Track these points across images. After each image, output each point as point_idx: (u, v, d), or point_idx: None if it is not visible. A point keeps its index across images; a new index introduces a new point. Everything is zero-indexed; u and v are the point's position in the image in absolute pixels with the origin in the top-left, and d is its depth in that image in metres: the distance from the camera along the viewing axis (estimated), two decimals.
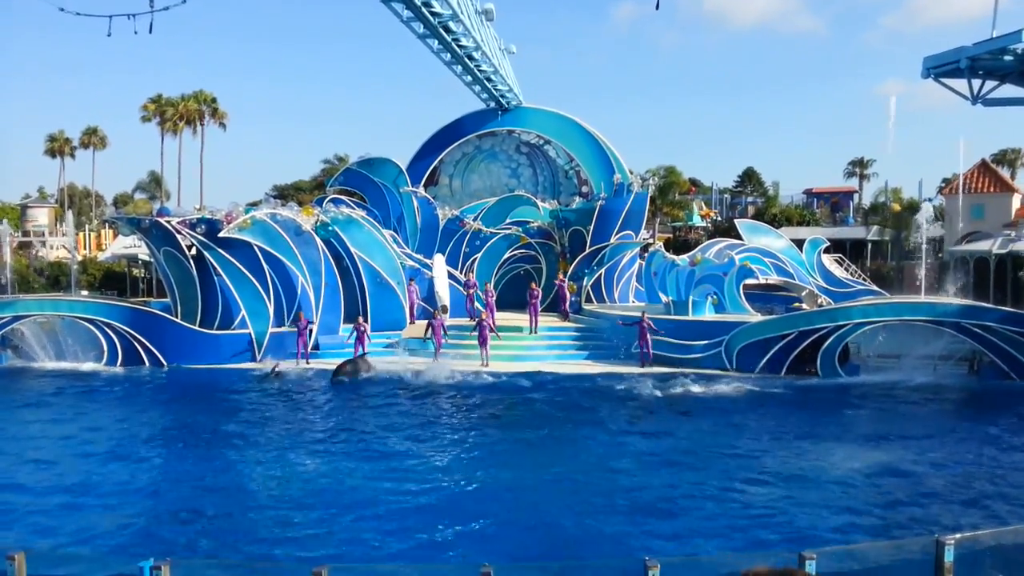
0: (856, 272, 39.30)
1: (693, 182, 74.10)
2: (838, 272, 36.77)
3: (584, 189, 37.79)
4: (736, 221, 42.95)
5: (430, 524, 12.87)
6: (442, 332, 27.64)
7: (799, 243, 36.75)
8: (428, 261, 32.64)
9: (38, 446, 17.67)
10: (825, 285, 34.59)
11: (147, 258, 40.00)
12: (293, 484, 15.04)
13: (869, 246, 49.13)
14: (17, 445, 17.77)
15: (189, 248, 28.39)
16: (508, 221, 35.04)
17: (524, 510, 13.70)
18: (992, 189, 43.04)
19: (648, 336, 26.49)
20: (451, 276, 32.71)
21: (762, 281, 34.12)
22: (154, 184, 75.73)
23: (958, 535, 10.01)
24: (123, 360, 27.33)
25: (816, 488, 14.73)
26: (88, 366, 27.05)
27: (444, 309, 30.36)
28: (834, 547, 10.61)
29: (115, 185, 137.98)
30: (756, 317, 27.76)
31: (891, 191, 55.05)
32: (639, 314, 27.06)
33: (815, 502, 13.97)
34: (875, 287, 35.08)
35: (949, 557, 9.57)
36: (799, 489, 14.64)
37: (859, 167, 74.57)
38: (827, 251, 37.55)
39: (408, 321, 30.26)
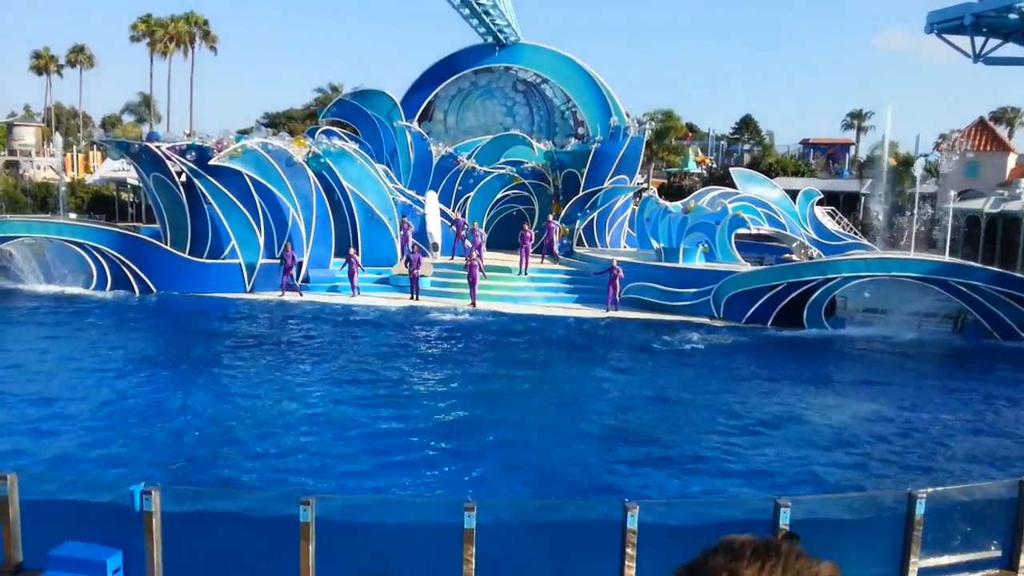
0: (848, 226, 39.35)
1: (690, 128, 73.36)
2: (830, 225, 36.81)
3: (580, 131, 37.41)
4: (731, 169, 42.73)
5: (418, 456, 13.09)
6: (419, 269, 27.63)
7: (793, 194, 36.68)
8: (420, 198, 32.41)
9: (27, 367, 17.74)
10: (816, 237, 34.66)
11: (136, 182, 39.53)
12: (283, 413, 15.21)
13: (862, 200, 49.10)
14: (5, 366, 17.83)
15: (179, 175, 28.06)
16: (502, 160, 34.72)
17: (510, 446, 13.94)
18: (988, 148, 42.90)
19: (618, 284, 26.59)
20: (443, 214, 32.54)
21: (754, 231, 34.15)
22: (143, 107, 74.32)
23: (930, 489, 10.29)
24: (112, 285, 27.26)
25: (794, 437, 15.03)
26: (77, 290, 27.01)
27: (435, 247, 30.31)
28: (809, 496, 10.91)
29: (103, 106, 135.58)
30: (746, 267, 27.87)
31: (887, 144, 54.74)
32: (611, 262, 27.14)
33: (793, 450, 14.27)
34: (866, 241, 35.20)
35: (920, 510, 9.85)
36: (778, 437, 14.94)
37: (857, 119, 73.90)
38: (820, 203, 37.51)
39: (399, 257, 30.21)
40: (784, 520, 9.60)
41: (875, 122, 72.87)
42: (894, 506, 10.13)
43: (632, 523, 9.57)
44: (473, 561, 9.47)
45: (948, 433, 15.76)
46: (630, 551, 9.52)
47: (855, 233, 37.22)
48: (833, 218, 38.10)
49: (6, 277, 27.98)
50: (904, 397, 18.15)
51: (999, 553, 10.37)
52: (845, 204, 46.84)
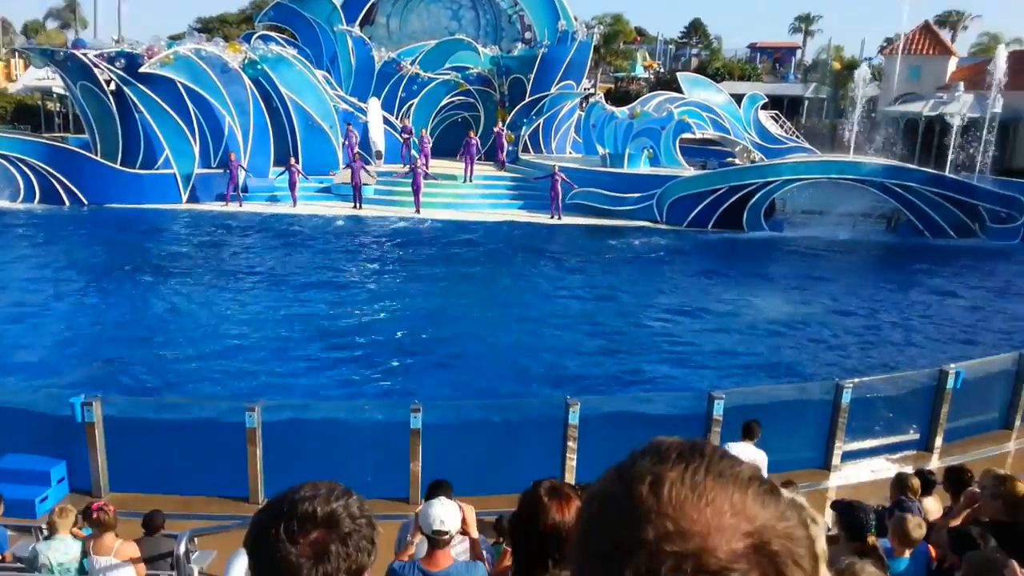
0: (791, 130, 39.67)
1: (639, 32, 72.10)
2: (773, 129, 37.02)
3: (527, 35, 36.42)
4: (678, 74, 42.37)
5: (363, 363, 13.20)
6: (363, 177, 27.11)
7: (739, 98, 36.66)
8: (363, 105, 31.52)
9: None
10: (760, 141, 34.88)
11: (62, 91, 37.62)
12: (225, 322, 15.11)
13: (806, 103, 49.37)
14: None
15: (108, 83, 26.74)
16: (447, 66, 33.76)
17: (456, 346, 14.13)
18: (931, 51, 43.20)
19: (560, 189, 26.55)
20: (386, 121, 31.78)
21: (699, 136, 34.20)
22: (68, 12, 69.99)
23: (856, 379, 10.81)
24: (40, 198, 26.25)
25: (731, 330, 15.54)
26: (3, 203, 25.95)
27: (379, 155, 29.74)
28: (742, 388, 11.36)
29: (23, 11, 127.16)
30: (690, 172, 28.05)
31: (832, 48, 54.79)
32: (552, 168, 27.01)
33: (729, 344, 14.77)
34: (808, 145, 35.58)
35: (846, 399, 10.38)
36: (715, 331, 15.42)
37: (804, 23, 73.52)
38: (765, 107, 37.61)
39: (341, 165, 29.57)
40: (718, 411, 10.03)
41: (822, 26, 72.66)
42: (822, 395, 10.63)
43: (573, 418, 9.89)
44: (420, 460, 9.72)
45: (876, 325, 16.43)
46: (571, 444, 9.87)
47: (797, 137, 37.56)
48: (776, 122, 38.32)
49: None
50: (837, 292, 18.80)
51: (917, 436, 11.03)
52: (789, 108, 47.06)
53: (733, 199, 25.72)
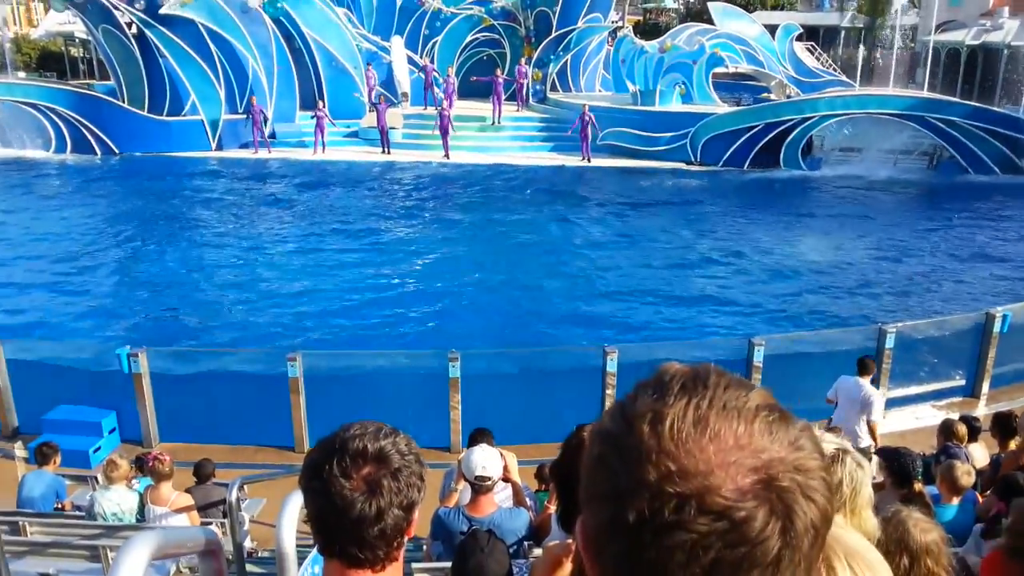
0: (827, 62, 38.49)
1: None
2: (809, 61, 35.95)
3: None
4: (709, 4, 41.06)
5: (399, 309, 13.24)
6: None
7: (772, 29, 35.54)
8: (386, 44, 30.98)
9: (1, 235, 17.43)
10: (795, 75, 33.92)
11: (85, 36, 37.38)
12: (261, 270, 15.20)
13: (842, 34, 47.77)
14: None
15: (129, 26, 26.47)
16: (470, 1, 33.03)
17: (491, 292, 14.13)
18: None
19: (589, 131, 25.94)
20: (410, 60, 31.24)
21: (732, 70, 33.31)
22: None
23: (899, 323, 10.65)
24: (72, 147, 26.31)
25: (771, 274, 15.35)
26: (37, 153, 26.06)
27: (404, 96, 29.33)
28: (782, 335, 11.25)
29: None
30: (724, 108, 27.39)
31: None
32: (582, 108, 26.28)
33: (770, 288, 14.60)
34: (845, 78, 34.55)
35: (889, 344, 10.24)
36: (755, 275, 15.24)
37: None
38: (800, 38, 36.46)
39: (367, 108, 29.25)
40: (758, 358, 9.96)
41: None
42: (865, 340, 10.49)
43: (611, 366, 9.89)
44: (459, 407, 9.81)
45: (919, 267, 16.14)
46: (610, 392, 9.90)
47: (834, 70, 36.46)
48: (812, 54, 37.18)
49: None
50: (877, 233, 18.45)
51: (963, 382, 10.89)
52: (825, 39, 45.59)
53: (769, 137, 25.13)
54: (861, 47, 35.60)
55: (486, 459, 4.59)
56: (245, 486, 7.86)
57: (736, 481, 0.75)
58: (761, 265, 15.98)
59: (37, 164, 25.13)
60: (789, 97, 29.01)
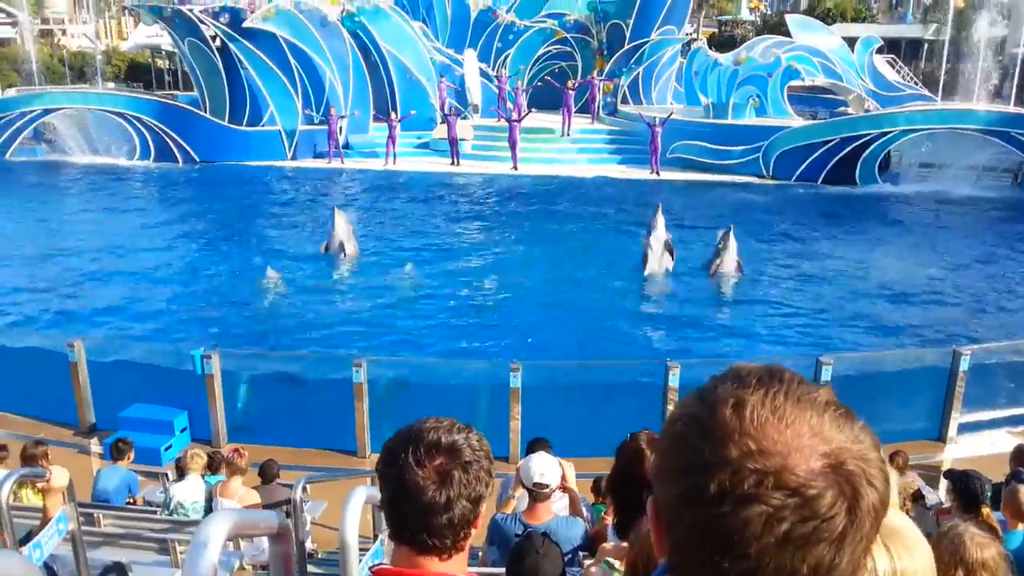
0: (909, 75, 37.34)
1: None
2: (889, 75, 34.94)
3: None
4: (787, 16, 40.36)
5: (464, 320, 13.36)
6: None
7: (851, 42, 34.67)
8: (459, 57, 31.41)
9: (87, 239, 18.25)
10: (874, 88, 33.01)
11: (171, 48, 38.96)
12: (331, 279, 15.55)
13: (926, 47, 46.24)
14: (66, 237, 18.38)
15: (213, 39, 27.51)
16: (543, 14, 33.16)
17: (555, 307, 14.13)
18: None
19: (659, 142, 25.47)
20: (483, 73, 31.58)
21: (808, 83, 32.63)
22: None
23: (974, 346, 10.24)
24: (155, 155, 27.45)
25: (842, 291, 14.94)
26: (122, 161, 27.27)
27: (475, 108, 29.63)
28: (852, 354, 10.95)
29: None
30: (799, 121, 26.84)
31: None
32: (653, 119, 25.83)
33: (840, 306, 14.22)
34: (926, 92, 33.45)
35: (964, 366, 9.85)
36: (825, 294, 14.86)
37: None
38: (880, 51, 35.47)
39: (438, 120, 29.67)
40: (826, 376, 9.71)
41: None
42: (938, 362, 10.13)
43: (674, 381, 9.77)
44: (520, 418, 9.84)
45: (999, 290, 15.49)
46: (671, 407, 9.78)
47: (916, 83, 35.34)
48: (893, 67, 36.13)
49: (52, 150, 28.29)
50: (957, 252, 17.78)
51: None
52: (907, 52, 44.22)
53: (845, 151, 24.50)
54: (944, 60, 34.44)
55: (545, 467, 4.63)
56: (308, 487, 8.04)
57: (809, 463, 0.84)
58: (832, 281, 15.57)
59: (122, 171, 26.28)
60: (868, 111, 28.25)
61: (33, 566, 2.62)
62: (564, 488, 4.87)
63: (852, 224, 20.57)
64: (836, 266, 16.70)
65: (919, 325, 13.54)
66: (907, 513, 2.18)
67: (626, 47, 31.47)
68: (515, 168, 26.45)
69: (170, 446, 9.65)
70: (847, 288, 15.28)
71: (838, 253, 17.73)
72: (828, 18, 45.00)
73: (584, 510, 5.21)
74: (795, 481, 0.83)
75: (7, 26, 51.17)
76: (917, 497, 6.97)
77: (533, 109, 27.98)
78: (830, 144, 24.69)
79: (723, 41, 47.67)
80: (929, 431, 10.10)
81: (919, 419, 10.18)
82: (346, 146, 28.20)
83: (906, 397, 10.23)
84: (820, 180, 24.82)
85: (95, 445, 8.94)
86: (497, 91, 30.71)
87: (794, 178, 24.94)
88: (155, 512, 7.06)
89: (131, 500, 7.67)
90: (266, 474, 7.64)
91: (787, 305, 14.33)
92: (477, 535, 1.64)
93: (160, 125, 27.32)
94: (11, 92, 32.18)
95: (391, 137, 27.11)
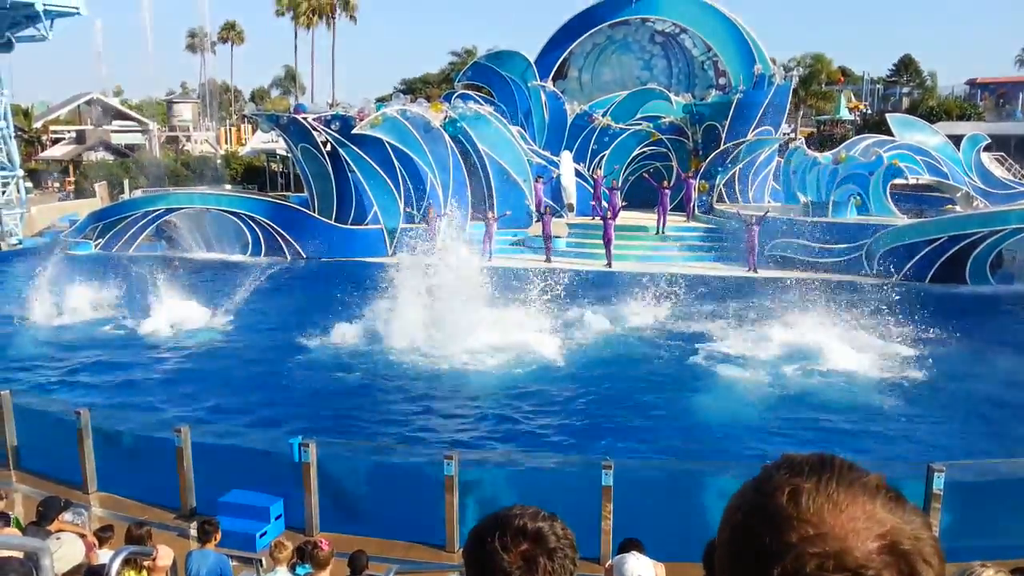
0: (1019, 173, 36.01)
1: (842, 71, 68.84)
2: (998, 172, 33.78)
3: (721, 81, 35.83)
4: (888, 115, 39.88)
5: (554, 422, 13.26)
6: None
7: (957, 140, 33.86)
8: (555, 158, 32.32)
9: (197, 330, 19.23)
10: (983, 186, 31.93)
11: (284, 153, 41.60)
12: (425, 374, 15.80)
13: None
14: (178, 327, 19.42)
15: (324, 144, 29.32)
16: (639, 116, 33.92)
17: (647, 411, 13.88)
18: None
19: (756, 241, 25.49)
20: (578, 173, 32.31)
21: (912, 181, 31.89)
22: (289, 79, 77.85)
23: None
24: (266, 251, 29.02)
25: (952, 400, 14.12)
26: (235, 257, 28.89)
27: (570, 207, 30.22)
28: (964, 461, 10.26)
29: (251, 79, 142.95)
30: (903, 220, 26.13)
31: None
32: (748, 217, 25.80)
33: (949, 413, 13.43)
34: None
35: None
36: (934, 400, 14.08)
37: None
38: (988, 148, 34.46)
39: (534, 220, 30.35)
40: (938, 484, 9.09)
41: None
42: None
43: None
44: (611, 517, 9.57)
45: None
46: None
47: None
48: (1002, 164, 34.96)
49: (172, 246, 30.28)
50: None
51: None
52: (1017, 149, 42.78)
53: (954, 249, 23.61)
54: None
55: (641, 568, 4.54)
56: None
57: (866, 544, 0.89)
58: (942, 386, 14.75)
59: (235, 266, 27.75)
60: (976, 208, 27.26)
61: None
62: None
63: (963, 324, 19.54)
64: (946, 368, 15.84)
65: None
66: None
67: (721, 147, 31.70)
68: (609, 265, 26.60)
69: (265, 532, 9.80)
70: (959, 392, 14.45)
71: (948, 355, 16.85)
72: (931, 117, 44.28)
73: None
74: (854, 562, 0.88)
75: (138, 133, 56.05)
76: None
77: (625, 202, 28.38)
78: (938, 243, 23.86)
79: (822, 140, 47.44)
80: None
81: None
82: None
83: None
84: (927, 279, 23.89)
85: (194, 529, 9.16)
86: (592, 190, 31.30)
87: (899, 276, 24.10)
88: None
89: None
90: (355, 566, 7.65)
91: (896, 409, 13.63)
92: None
93: (271, 223, 28.98)
94: (137, 193, 34.90)
95: (488, 235, 27.84)
